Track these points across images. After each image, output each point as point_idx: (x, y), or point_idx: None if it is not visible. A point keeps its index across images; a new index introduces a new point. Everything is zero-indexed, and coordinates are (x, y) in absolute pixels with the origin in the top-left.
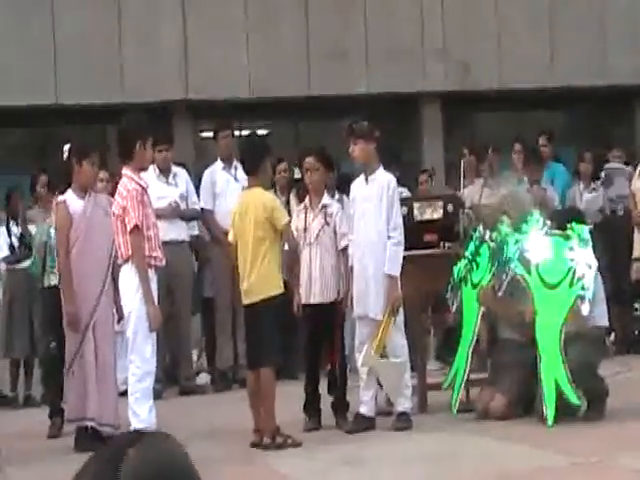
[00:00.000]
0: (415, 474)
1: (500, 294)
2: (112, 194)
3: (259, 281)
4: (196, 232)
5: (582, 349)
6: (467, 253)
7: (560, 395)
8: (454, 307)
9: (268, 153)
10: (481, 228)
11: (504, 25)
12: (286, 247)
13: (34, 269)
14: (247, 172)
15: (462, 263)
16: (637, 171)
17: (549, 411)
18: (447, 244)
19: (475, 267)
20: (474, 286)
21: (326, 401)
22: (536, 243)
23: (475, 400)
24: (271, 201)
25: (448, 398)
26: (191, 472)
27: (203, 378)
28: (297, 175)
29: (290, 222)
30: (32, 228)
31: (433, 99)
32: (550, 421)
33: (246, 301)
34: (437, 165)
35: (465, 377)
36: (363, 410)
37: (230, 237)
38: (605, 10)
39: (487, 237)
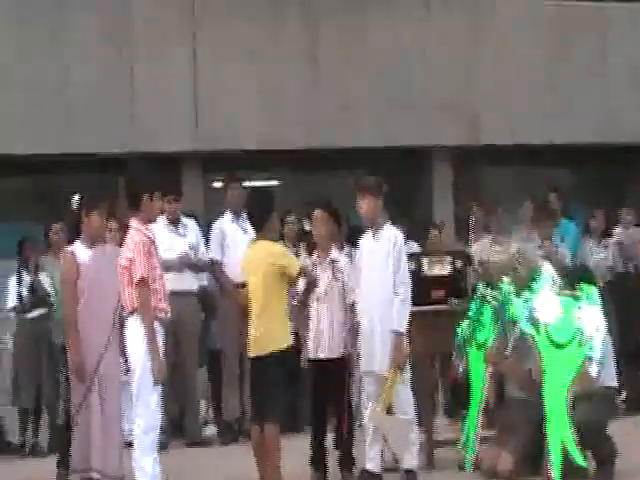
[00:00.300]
0: None
1: (507, 353)
2: (121, 244)
3: (267, 335)
4: (204, 283)
5: (590, 409)
6: (470, 313)
7: (567, 456)
8: (460, 368)
9: (273, 208)
10: (481, 287)
11: (513, 80)
12: (294, 302)
13: (57, 316)
14: (254, 227)
15: (465, 323)
16: None
17: (555, 473)
18: (455, 301)
19: (479, 327)
20: (479, 346)
21: (333, 456)
22: (546, 302)
23: (482, 458)
24: (280, 250)
25: (455, 455)
26: None
27: (210, 430)
28: (307, 227)
29: (302, 269)
30: (43, 277)
31: (443, 153)
32: None
33: (253, 353)
34: (447, 219)
35: (476, 437)
36: (369, 466)
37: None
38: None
39: (489, 295)
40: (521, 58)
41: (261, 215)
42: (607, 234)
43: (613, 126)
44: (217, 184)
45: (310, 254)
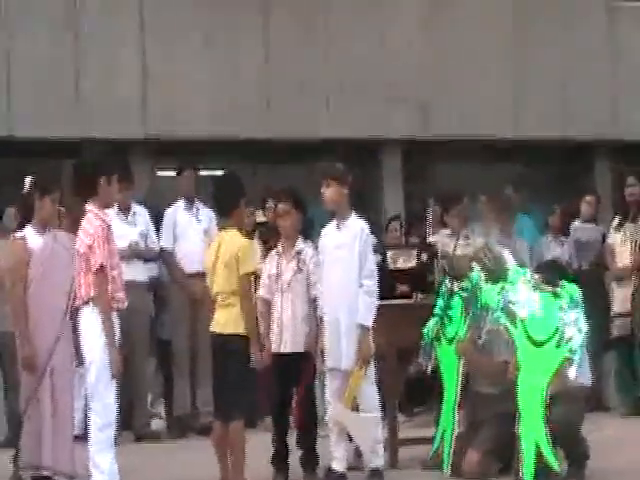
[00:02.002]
0: None
1: (480, 342)
2: (70, 231)
3: (232, 317)
4: (154, 273)
5: (565, 409)
6: (437, 309)
7: (539, 456)
8: (428, 367)
9: (244, 193)
10: (448, 281)
11: (468, 71)
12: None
13: None
14: (221, 214)
15: (432, 321)
16: (613, 225)
17: (527, 472)
18: (420, 295)
19: (448, 321)
20: (450, 341)
21: (295, 455)
22: (523, 296)
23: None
24: (244, 247)
25: (418, 453)
26: None
27: (157, 424)
28: (260, 218)
29: (252, 274)
30: None
31: (394, 146)
32: None
33: (217, 329)
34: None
35: (454, 437)
36: (335, 466)
37: (207, 281)
38: (567, 62)
39: (456, 288)
40: (479, 49)
41: (231, 200)
42: (566, 231)
43: (571, 120)
44: (165, 172)
45: (265, 245)
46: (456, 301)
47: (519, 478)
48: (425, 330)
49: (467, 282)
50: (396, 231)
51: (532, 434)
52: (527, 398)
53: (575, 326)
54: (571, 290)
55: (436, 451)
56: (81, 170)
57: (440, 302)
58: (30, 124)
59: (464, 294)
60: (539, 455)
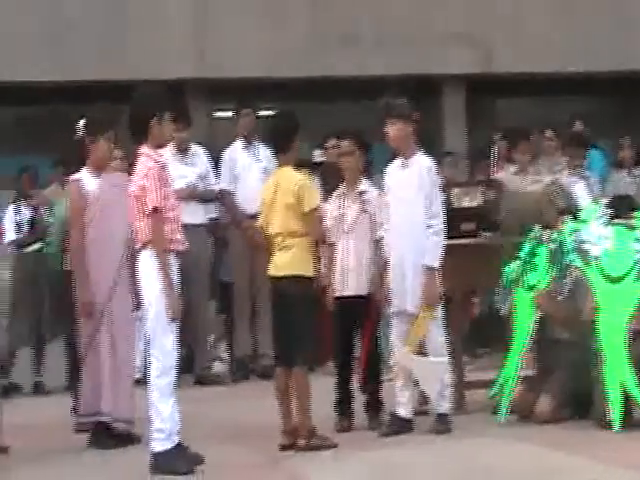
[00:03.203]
0: None
1: (560, 298)
2: (129, 173)
3: (293, 258)
4: (214, 215)
5: None
6: (522, 254)
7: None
8: (504, 311)
9: (298, 130)
10: (538, 228)
11: (527, 9)
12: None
13: (51, 249)
14: (277, 150)
15: (515, 264)
16: None
17: (615, 415)
18: (486, 233)
19: (532, 269)
20: (530, 288)
21: (359, 399)
22: (596, 233)
23: (517, 400)
24: (302, 183)
25: (483, 397)
26: None
27: (218, 367)
28: (318, 159)
29: (318, 208)
30: (44, 210)
31: (456, 83)
32: (617, 426)
33: (277, 273)
34: (460, 150)
35: (515, 386)
36: (400, 412)
37: (260, 220)
38: None
39: (545, 238)
40: None
41: (288, 136)
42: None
43: (632, 54)
44: (221, 113)
45: (324, 186)
46: (542, 250)
47: (606, 421)
48: (506, 272)
49: (556, 234)
50: (451, 168)
51: (617, 375)
52: (608, 339)
53: None
54: None
55: (493, 397)
56: (133, 110)
57: (526, 247)
58: (86, 68)
59: (552, 245)
60: (625, 396)
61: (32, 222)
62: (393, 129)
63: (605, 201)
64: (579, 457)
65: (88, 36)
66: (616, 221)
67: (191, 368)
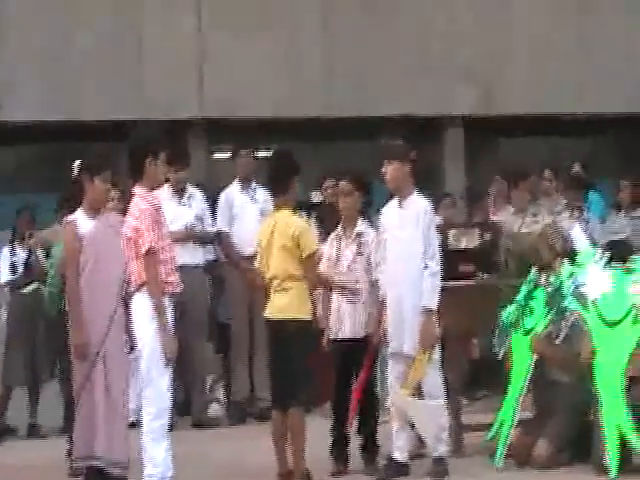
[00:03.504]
0: None
1: (558, 341)
2: (124, 213)
3: (291, 301)
4: (211, 256)
5: None
6: (519, 298)
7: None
8: (501, 353)
9: (297, 172)
10: (535, 271)
11: (533, 49)
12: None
13: (52, 289)
14: (274, 192)
15: (512, 308)
16: None
17: (612, 460)
18: (484, 275)
19: (529, 312)
20: (527, 332)
21: (354, 441)
22: (594, 277)
23: (515, 445)
24: (300, 226)
25: (480, 440)
26: None
27: (215, 408)
28: (316, 199)
29: (317, 252)
30: (39, 252)
31: (456, 123)
32: (614, 472)
33: (274, 315)
34: (459, 191)
35: (512, 429)
36: (397, 456)
37: (258, 263)
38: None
39: (542, 281)
40: (542, 25)
41: (286, 177)
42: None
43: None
44: (221, 154)
45: (320, 226)
46: (540, 293)
47: (603, 465)
48: (504, 315)
49: (554, 276)
50: (448, 209)
51: (614, 419)
52: (606, 382)
53: None
54: None
55: (490, 440)
56: (129, 151)
57: (524, 290)
58: (92, 108)
59: (549, 289)
60: (622, 440)
61: (27, 263)
62: (390, 169)
63: (602, 244)
64: None
65: (93, 76)
66: (613, 265)
67: (188, 411)
